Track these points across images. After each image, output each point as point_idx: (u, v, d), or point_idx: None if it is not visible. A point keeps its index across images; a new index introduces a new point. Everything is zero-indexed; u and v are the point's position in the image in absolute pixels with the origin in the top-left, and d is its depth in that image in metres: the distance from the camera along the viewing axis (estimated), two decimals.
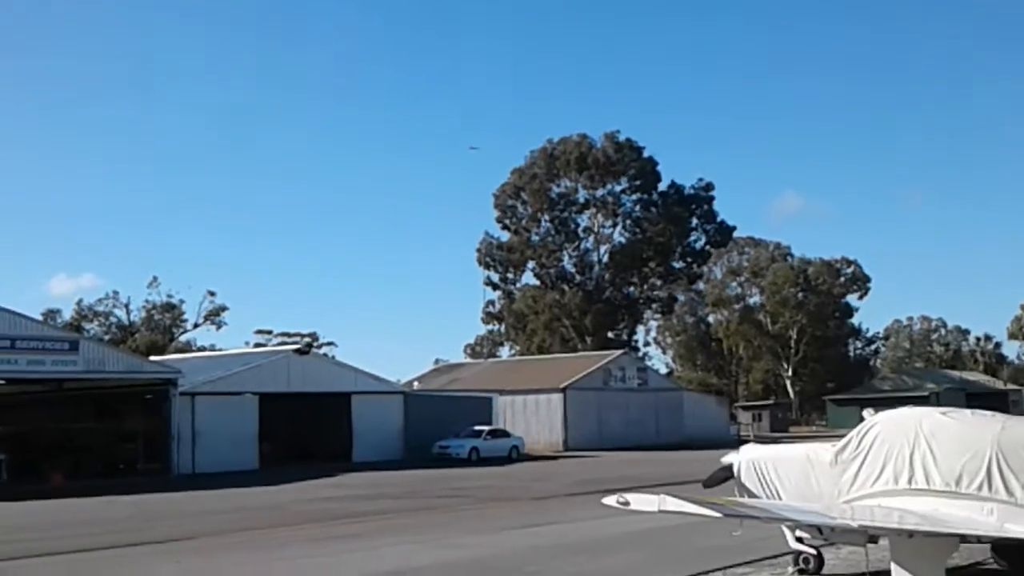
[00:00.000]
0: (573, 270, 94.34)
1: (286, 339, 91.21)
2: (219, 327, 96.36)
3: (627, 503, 9.95)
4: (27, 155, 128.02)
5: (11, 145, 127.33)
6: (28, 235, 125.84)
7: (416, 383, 69.56)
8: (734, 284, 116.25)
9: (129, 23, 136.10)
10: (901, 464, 11.99)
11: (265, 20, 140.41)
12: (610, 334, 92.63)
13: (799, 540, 13.43)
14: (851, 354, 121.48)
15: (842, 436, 12.96)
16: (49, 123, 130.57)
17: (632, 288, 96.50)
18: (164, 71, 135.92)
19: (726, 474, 13.79)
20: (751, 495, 13.22)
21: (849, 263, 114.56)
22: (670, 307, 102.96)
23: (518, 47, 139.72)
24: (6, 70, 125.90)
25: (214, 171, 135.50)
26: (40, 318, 55.79)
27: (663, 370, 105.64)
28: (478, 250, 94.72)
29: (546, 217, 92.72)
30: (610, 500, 10.10)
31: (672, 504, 9.91)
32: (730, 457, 13.85)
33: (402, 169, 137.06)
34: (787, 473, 13.06)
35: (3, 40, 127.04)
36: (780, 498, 12.93)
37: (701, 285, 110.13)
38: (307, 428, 53.81)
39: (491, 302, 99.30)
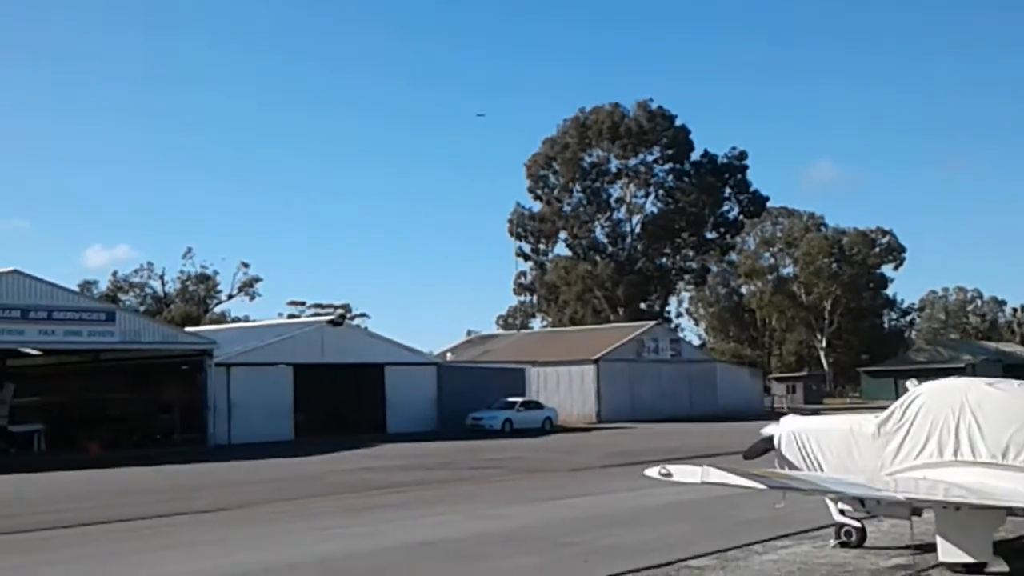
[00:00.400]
0: (605, 241, 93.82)
1: (319, 310, 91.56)
2: (253, 298, 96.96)
3: (669, 474, 9.82)
4: (60, 127, 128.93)
5: (44, 117, 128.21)
6: (63, 206, 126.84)
7: (449, 354, 69.68)
8: (767, 255, 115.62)
9: None
10: (946, 436, 11.79)
11: None
12: (642, 305, 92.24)
13: (842, 513, 13.27)
14: (886, 325, 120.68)
15: (878, 408, 12.77)
16: (81, 95, 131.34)
17: (664, 259, 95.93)
18: (194, 42, 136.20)
19: (766, 446, 13.63)
20: (792, 467, 13.06)
21: (884, 233, 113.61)
22: (703, 278, 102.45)
23: (548, 15, 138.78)
24: (36, 41, 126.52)
25: (246, 142, 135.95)
26: (76, 289, 56.19)
27: (696, 341, 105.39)
28: (510, 221, 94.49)
29: (578, 187, 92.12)
30: (652, 472, 9.97)
31: (715, 475, 9.78)
32: (770, 428, 13.69)
33: (433, 139, 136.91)
34: (829, 445, 12.89)
35: (29, 10, 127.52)
36: (821, 470, 12.77)
37: (734, 256, 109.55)
38: (341, 399, 54.09)
39: (523, 273, 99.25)
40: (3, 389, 42.81)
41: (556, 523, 17.41)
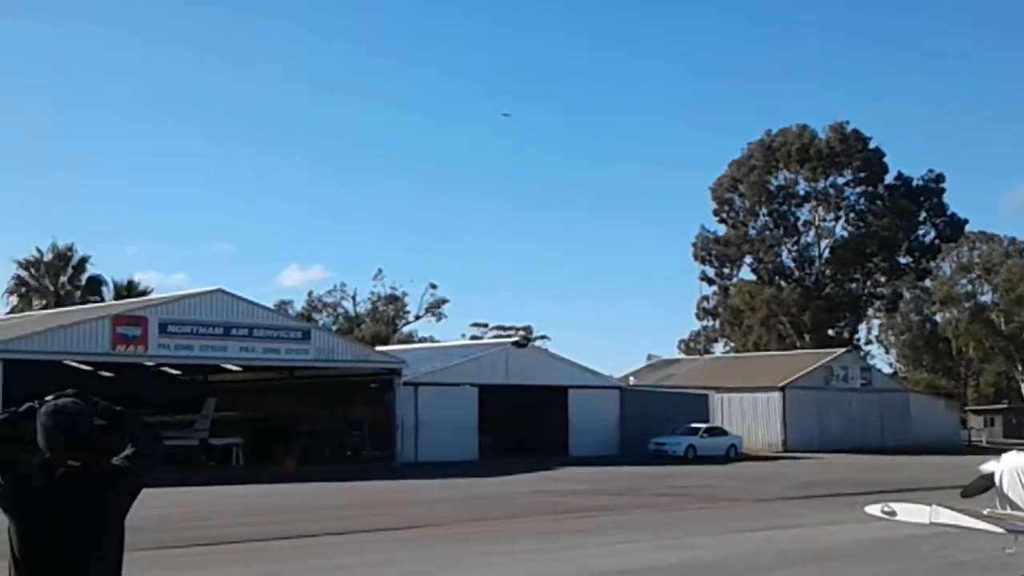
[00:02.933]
0: (792, 265, 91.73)
1: (501, 332, 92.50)
2: (439, 319, 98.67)
3: (893, 513, 9.36)
4: (257, 152, 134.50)
5: (242, 146, 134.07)
6: (264, 230, 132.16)
7: (631, 378, 69.21)
8: (964, 281, 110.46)
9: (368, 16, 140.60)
10: None
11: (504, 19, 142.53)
12: (830, 332, 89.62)
13: None
14: None
15: None
16: (278, 117, 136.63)
17: (854, 284, 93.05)
18: (387, 65, 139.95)
19: (986, 483, 12.86)
20: (1014, 507, 12.28)
21: None
22: (895, 304, 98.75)
23: (732, 38, 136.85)
24: (229, 82, 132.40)
25: (435, 165, 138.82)
26: (274, 308, 58.39)
27: (886, 370, 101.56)
28: (694, 244, 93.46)
29: (764, 210, 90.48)
30: (874, 509, 9.53)
31: (946, 516, 9.26)
32: (991, 465, 12.89)
33: (617, 163, 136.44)
34: None
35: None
36: None
37: (928, 282, 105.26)
38: (524, 420, 54.32)
39: (706, 297, 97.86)
40: (205, 404, 44.73)
41: (751, 556, 16.95)
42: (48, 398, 4.49)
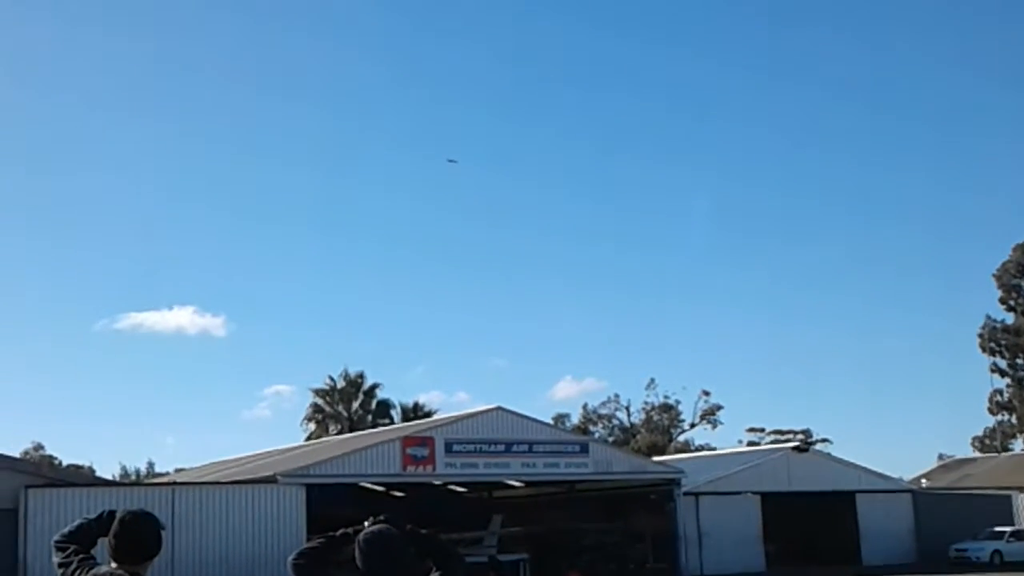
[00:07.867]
0: None
1: (778, 436, 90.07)
2: (714, 426, 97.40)
3: None
4: (531, 259, 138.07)
5: (510, 250, 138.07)
6: (538, 344, 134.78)
7: (924, 480, 65.80)
8: None
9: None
10: None
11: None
12: None
13: None
14: None
15: None
16: (547, 227, 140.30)
17: None
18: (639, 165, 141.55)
19: None
20: None
21: None
22: None
23: (1007, 122, 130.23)
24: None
25: (700, 274, 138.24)
26: (551, 422, 59.63)
27: None
28: (980, 335, 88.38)
29: None
30: None
31: None
32: None
33: (884, 253, 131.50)
34: None
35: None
36: None
37: None
38: (811, 528, 52.57)
39: (999, 390, 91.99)
40: (492, 520, 45.88)
41: None
42: (366, 524, 4.89)
